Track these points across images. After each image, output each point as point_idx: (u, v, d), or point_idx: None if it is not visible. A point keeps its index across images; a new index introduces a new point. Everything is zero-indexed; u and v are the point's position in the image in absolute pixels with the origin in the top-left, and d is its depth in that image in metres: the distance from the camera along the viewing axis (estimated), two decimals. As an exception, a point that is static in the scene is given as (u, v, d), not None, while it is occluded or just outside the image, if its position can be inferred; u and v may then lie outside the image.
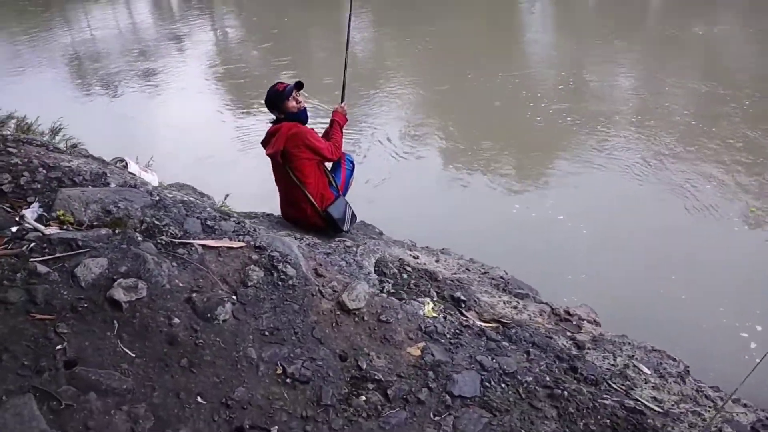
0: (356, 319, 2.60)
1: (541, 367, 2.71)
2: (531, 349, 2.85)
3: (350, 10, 4.97)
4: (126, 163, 3.68)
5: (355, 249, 3.40)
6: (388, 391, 2.38)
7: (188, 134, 8.14)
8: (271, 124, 4.25)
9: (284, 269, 2.55)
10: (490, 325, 3.22)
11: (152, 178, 3.82)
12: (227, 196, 3.89)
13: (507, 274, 4.50)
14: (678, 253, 4.83)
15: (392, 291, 3.01)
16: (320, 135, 4.41)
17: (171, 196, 2.83)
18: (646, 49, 9.84)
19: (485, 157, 6.73)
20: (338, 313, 2.58)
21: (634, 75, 8.88)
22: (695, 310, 4.33)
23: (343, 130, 4.50)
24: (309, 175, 4.16)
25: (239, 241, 2.63)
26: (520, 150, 6.80)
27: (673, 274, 4.68)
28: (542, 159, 6.61)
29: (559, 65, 9.87)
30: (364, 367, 2.43)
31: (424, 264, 4.22)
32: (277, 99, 4.14)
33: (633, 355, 3.44)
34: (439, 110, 8.48)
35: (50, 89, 11.11)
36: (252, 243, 2.64)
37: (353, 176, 4.58)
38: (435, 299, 3.38)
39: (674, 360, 3.51)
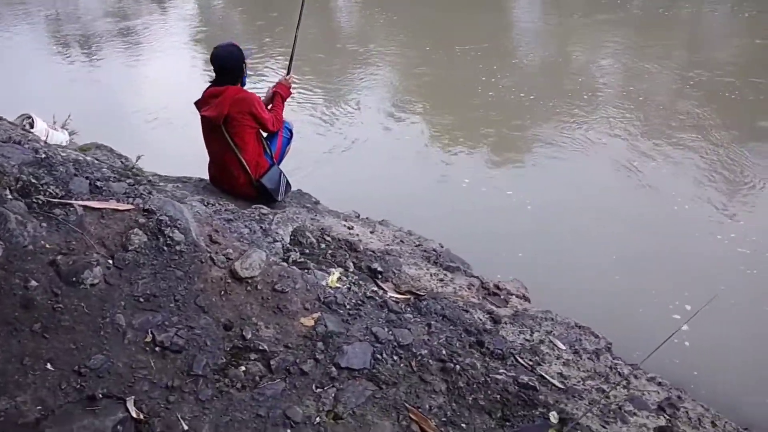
0: (248, 288, 2.51)
1: (441, 341, 2.63)
2: (433, 322, 2.77)
3: None
4: (32, 120, 3.52)
5: (270, 217, 3.29)
6: (272, 362, 2.30)
7: (144, 96, 7.94)
8: (210, 84, 4.04)
9: (171, 234, 2.44)
10: (403, 296, 3.15)
11: (62, 137, 3.66)
12: (139, 157, 3.74)
13: (442, 247, 4.42)
14: (619, 234, 4.76)
15: (299, 260, 2.91)
16: None
17: (64, 155, 2.69)
18: (627, 29, 9.63)
19: (439, 130, 6.62)
20: (229, 281, 2.48)
21: (605, 53, 8.73)
22: (629, 290, 4.27)
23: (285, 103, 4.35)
24: (248, 142, 4.01)
25: (127, 203, 2.51)
26: (476, 124, 6.69)
27: (611, 254, 4.62)
28: (496, 134, 6.50)
29: (528, 41, 9.71)
30: (249, 336, 2.34)
31: (356, 235, 4.13)
32: (238, 58, 3.93)
33: (551, 331, 3.40)
34: (402, 84, 8.30)
35: (17, 48, 10.78)
36: (141, 206, 2.52)
37: (290, 145, 4.43)
38: (351, 270, 3.29)
39: (596, 337, 3.47)
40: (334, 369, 2.33)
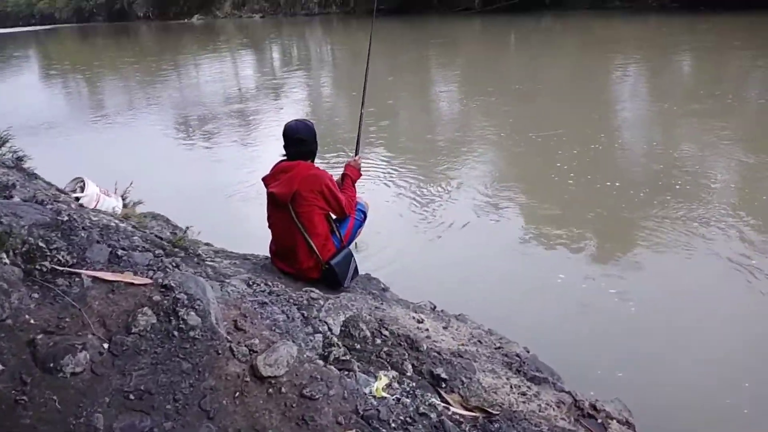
0: (270, 390, 2.02)
1: (512, 484, 2.00)
2: (506, 456, 2.14)
3: (368, 59, 4.55)
4: (83, 184, 3.37)
5: (321, 302, 2.84)
6: (283, 495, 1.78)
7: (233, 172, 7.98)
8: (283, 158, 3.79)
9: (186, 316, 2.04)
10: (470, 413, 2.54)
11: (114, 203, 3.48)
12: (188, 228, 3.46)
13: (528, 352, 3.78)
14: (741, 350, 3.89)
15: (343, 358, 2.40)
16: None
17: (95, 219, 2.42)
18: (723, 120, 8.67)
19: (524, 219, 6.03)
20: (247, 380, 2.02)
21: (698, 142, 7.86)
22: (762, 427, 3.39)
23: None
24: (317, 224, 3.67)
25: (146, 277, 2.16)
26: (567, 214, 6.05)
27: (734, 377, 3.74)
28: (590, 225, 5.81)
29: (610, 127, 9.00)
30: (260, 456, 1.85)
31: (425, 330, 3.59)
32: (312, 133, 3.70)
33: (665, 476, 2.65)
34: (489, 171, 7.83)
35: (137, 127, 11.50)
36: (160, 281, 2.15)
37: (362, 228, 4.05)
38: (408, 374, 2.73)
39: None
40: None
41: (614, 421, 3.20)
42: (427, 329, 3.67)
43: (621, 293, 4.61)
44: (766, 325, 4.10)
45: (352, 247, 4.04)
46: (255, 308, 2.32)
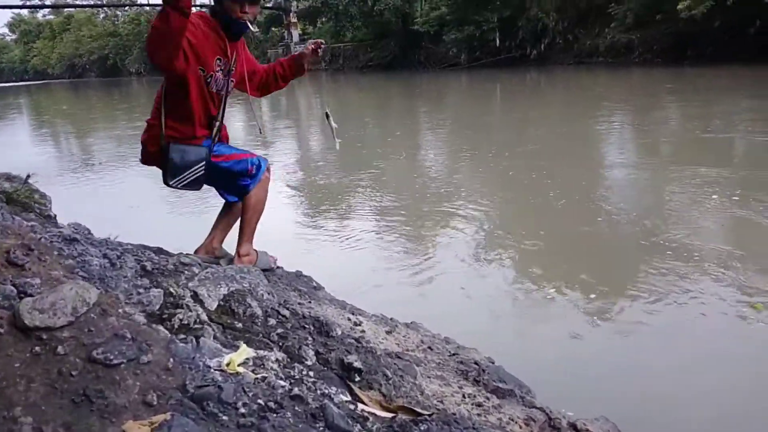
0: (38, 348, 1.25)
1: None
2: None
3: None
4: None
5: (195, 270, 2.07)
6: None
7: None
8: None
9: None
10: (387, 414, 1.74)
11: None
12: (29, 175, 2.69)
13: (492, 363, 3.01)
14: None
15: (194, 326, 1.63)
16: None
17: None
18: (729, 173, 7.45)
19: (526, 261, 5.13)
20: (1, 331, 1.25)
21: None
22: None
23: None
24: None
25: None
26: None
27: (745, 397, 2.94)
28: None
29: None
30: (-21, 445, 1.07)
31: (359, 330, 2.81)
32: None
33: None
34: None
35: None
36: None
37: (260, 176, 2.91)
38: (309, 363, 1.93)
39: None
40: None
41: (599, 445, 2.41)
42: (364, 331, 2.90)
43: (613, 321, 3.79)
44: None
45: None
46: (53, 243, 1.56)
